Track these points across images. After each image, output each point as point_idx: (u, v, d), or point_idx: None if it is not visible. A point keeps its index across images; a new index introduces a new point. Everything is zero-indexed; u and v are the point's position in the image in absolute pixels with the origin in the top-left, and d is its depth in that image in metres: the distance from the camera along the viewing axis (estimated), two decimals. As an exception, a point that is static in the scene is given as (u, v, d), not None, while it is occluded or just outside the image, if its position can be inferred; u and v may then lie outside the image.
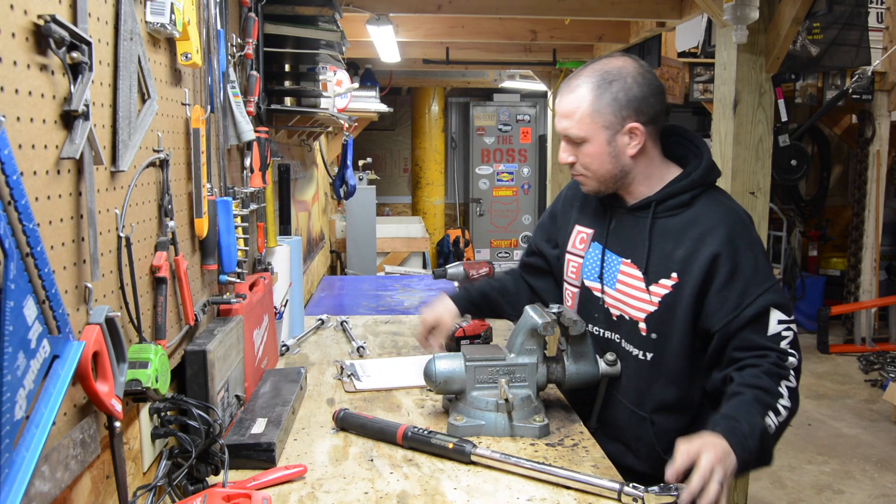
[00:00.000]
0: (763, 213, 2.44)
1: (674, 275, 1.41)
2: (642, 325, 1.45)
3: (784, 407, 1.30)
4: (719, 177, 1.51)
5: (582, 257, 1.57)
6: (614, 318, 1.51)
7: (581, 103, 1.40)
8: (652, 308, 1.43)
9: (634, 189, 1.49)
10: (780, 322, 1.36)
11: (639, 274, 1.45)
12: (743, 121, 2.39)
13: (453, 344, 1.94)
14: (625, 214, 1.51)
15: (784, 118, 3.33)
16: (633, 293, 1.46)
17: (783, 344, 1.35)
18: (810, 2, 2.24)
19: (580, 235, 1.59)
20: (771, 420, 1.28)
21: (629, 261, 1.47)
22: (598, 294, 1.53)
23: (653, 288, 1.43)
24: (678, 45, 4.89)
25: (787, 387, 1.32)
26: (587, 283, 1.55)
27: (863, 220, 5.77)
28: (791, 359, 1.35)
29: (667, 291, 1.41)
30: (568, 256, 1.62)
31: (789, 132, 3.41)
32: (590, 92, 1.40)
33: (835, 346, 5.83)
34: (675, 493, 1.12)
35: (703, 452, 1.16)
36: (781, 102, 3.26)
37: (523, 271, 1.82)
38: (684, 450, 1.17)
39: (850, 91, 5.24)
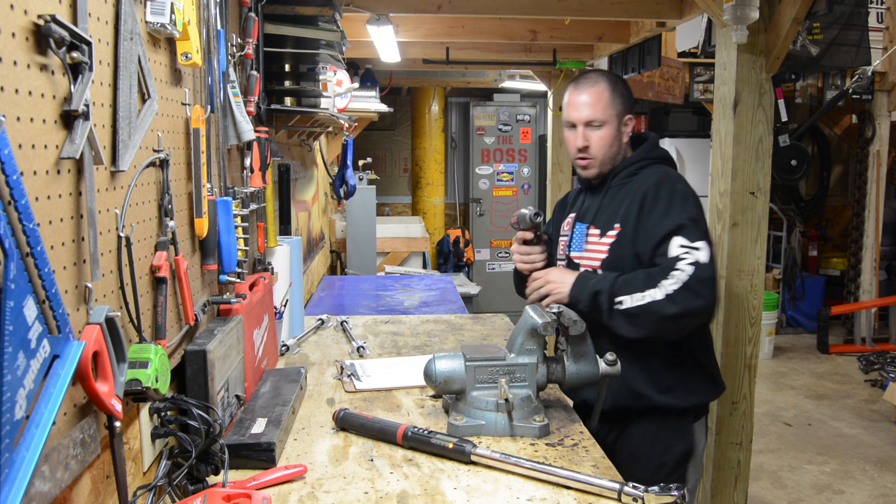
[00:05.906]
0: (763, 213, 2.43)
1: (617, 225, 1.73)
2: (599, 272, 1.73)
3: (643, 298, 1.56)
4: (666, 156, 1.82)
5: (567, 236, 1.89)
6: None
7: (603, 93, 1.76)
8: (603, 255, 1.74)
9: (608, 170, 1.81)
10: (682, 246, 1.58)
11: (598, 232, 1.78)
12: (743, 121, 2.39)
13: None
14: (593, 194, 1.85)
15: (784, 118, 3.33)
16: (593, 248, 1.77)
17: (680, 264, 1.56)
18: (810, 2, 2.24)
19: (567, 221, 1.93)
20: (626, 298, 1.58)
21: (593, 224, 1.79)
22: (577, 261, 1.82)
23: (604, 239, 1.75)
24: (678, 45, 4.89)
25: (664, 290, 1.55)
26: (571, 255, 1.85)
27: (863, 220, 5.77)
28: (676, 272, 1.55)
29: (612, 240, 1.73)
30: (561, 239, 1.93)
31: (789, 132, 3.40)
32: (608, 86, 1.77)
33: (835, 346, 5.83)
34: (676, 493, 1.13)
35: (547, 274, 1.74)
36: (781, 102, 3.25)
37: None
38: (539, 275, 1.75)
39: (850, 91, 5.24)
